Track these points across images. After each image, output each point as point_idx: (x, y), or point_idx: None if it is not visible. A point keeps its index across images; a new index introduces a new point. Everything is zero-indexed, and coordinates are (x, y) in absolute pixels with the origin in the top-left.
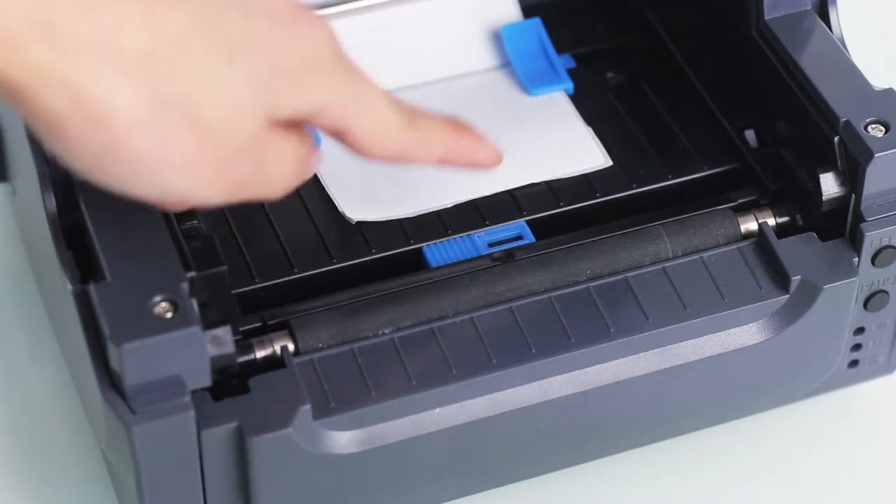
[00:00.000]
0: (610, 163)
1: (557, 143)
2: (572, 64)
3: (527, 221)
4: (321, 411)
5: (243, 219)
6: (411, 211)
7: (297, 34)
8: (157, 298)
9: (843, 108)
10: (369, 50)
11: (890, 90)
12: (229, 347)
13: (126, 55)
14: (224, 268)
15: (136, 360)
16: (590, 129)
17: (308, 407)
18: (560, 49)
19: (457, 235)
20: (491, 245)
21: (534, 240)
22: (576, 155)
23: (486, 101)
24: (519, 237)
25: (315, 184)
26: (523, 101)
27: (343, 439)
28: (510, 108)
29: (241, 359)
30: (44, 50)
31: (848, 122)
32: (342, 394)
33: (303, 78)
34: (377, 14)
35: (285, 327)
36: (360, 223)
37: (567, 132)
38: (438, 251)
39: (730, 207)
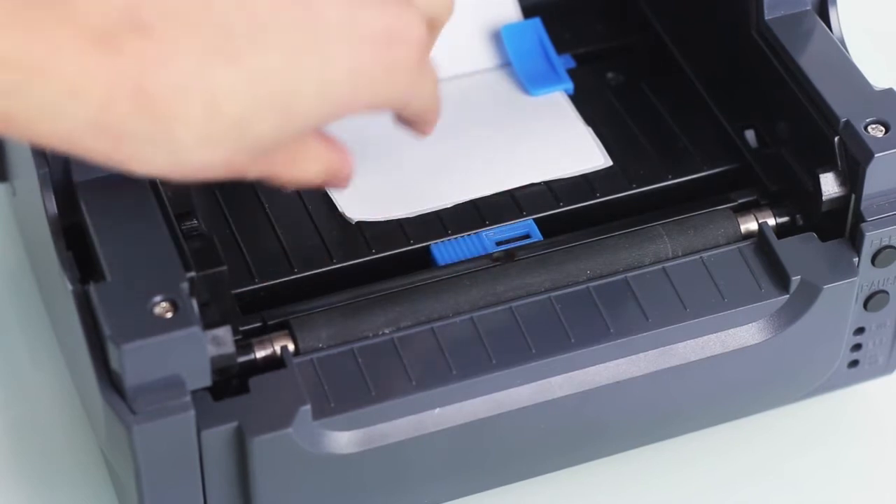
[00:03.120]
0: (610, 163)
1: (557, 143)
2: (572, 64)
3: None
4: (321, 411)
5: (243, 219)
6: (412, 211)
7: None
8: (158, 298)
9: (843, 108)
10: None
11: (890, 90)
12: (229, 347)
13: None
14: (224, 268)
15: (137, 360)
16: (590, 129)
17: (308, 407)
18: (560, 49)
19: (464, 234)
20: (499, 243)
21: (541, 238)
22: (576, 155)
23: (487, 101)
24: (527, 235)
25: None
26: (523, 101)
27: (343, 439)
28: (510, 108)
29: (241, 359)
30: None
31: (848, 122)
32: (342, 394)
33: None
34: None
35: (285, 327)
36: (360, 223)
37: (567, 132)
38: (446, 249)
39: (730, 207)
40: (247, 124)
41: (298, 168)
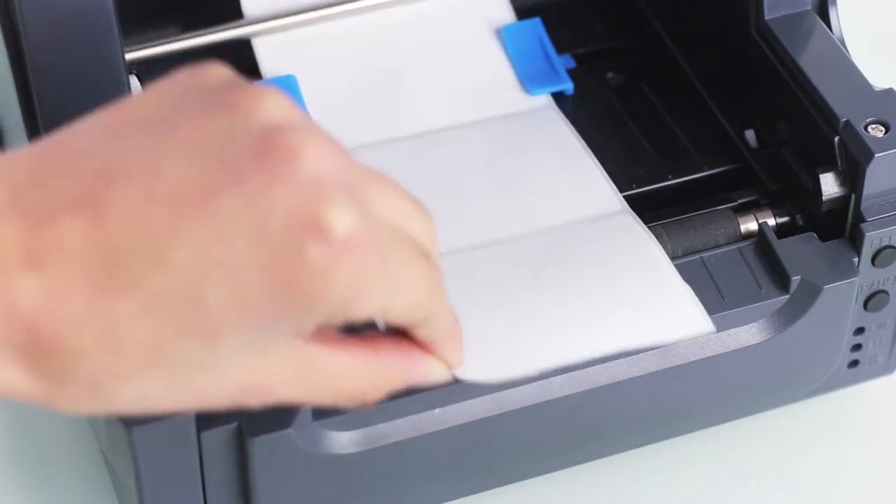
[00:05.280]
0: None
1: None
2: (572, 64)
3: None
4: (321, 411)
5: None
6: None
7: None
8: None
9: (843, 108)
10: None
11: (890, 90)
12: None
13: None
14: None
15: None
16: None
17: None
18: (560, 49)
19: None
20: None
21: None
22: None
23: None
24: None
25: None
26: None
27: (343, 439)
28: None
29: None
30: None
31: (848, 122)
32: None
33: None
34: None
35: None
36: None
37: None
38: None
39: (730, 207)
40: (160, 351)
41: (304, 393)
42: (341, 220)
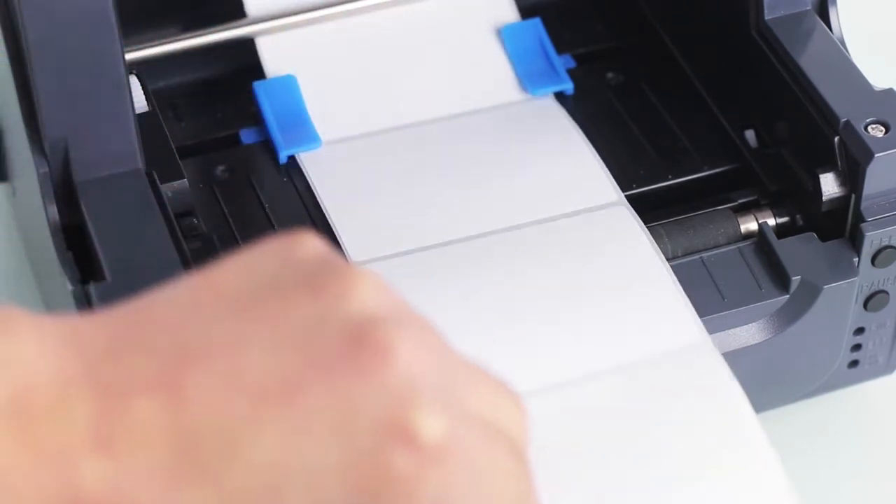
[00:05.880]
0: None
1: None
2: (572, 64)
3: None
4: None
5: (243, 219)
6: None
7: None
8: None
9: (843, 108)
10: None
11: (890, 90)
12: None
13: None
14: None
15: None
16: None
17: None
18: (560, 49)
19: None
20: None
21: None
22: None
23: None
24: None
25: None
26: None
27: None
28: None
29: None
30: None
31: (848, 123)
32: None
33: None
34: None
35: None
36: None
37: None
38: None
39: (730, 207)
40: None
41: None
42: (431, 427)
